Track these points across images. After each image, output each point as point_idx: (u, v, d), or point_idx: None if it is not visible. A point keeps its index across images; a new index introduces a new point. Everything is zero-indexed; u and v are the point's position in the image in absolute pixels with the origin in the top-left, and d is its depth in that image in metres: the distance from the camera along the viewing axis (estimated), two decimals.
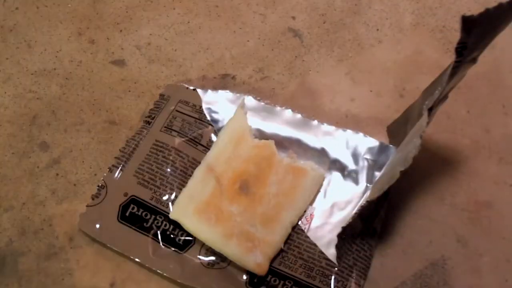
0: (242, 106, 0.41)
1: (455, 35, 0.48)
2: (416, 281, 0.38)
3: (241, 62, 0.47)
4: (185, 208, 0.37)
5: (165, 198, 0.39)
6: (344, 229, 0.36)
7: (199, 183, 0.38)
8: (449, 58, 0.47)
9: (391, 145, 0.41)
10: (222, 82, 0.46)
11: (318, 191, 0.40)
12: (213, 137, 0.42)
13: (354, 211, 0.38)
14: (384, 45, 0.48)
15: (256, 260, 0.35)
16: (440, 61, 0.47)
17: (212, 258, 0.37)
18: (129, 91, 0.46)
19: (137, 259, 0.37)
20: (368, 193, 0.39)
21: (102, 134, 0.44)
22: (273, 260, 0.37)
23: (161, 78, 0.47)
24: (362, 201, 0.39)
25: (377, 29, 0.49)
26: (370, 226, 0.38)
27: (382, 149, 0.41)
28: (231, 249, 0.36)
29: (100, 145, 0.43)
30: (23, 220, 0.40)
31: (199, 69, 0.47)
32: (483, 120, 0.44)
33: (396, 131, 0.42)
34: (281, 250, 0.37)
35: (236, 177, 0.38)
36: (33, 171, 0.42)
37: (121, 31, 0.49)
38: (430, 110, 0.31)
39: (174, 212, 0.38)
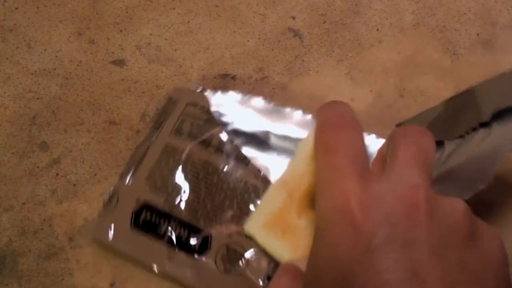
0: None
1: (455, 35, 0.48)
2: None
3: (241, 62, 0.47)
4: (257, 223, 0.36)
5: (177, 202, 0.39)
6: None
7: (271, 198, 0.37)
8: (449, 58, 0.47)
9: None
10: (222, 82, 0.46)
11: None
12: (224, 138, 0.41)
13: None
14: (384, 45, 0.48)
15: None
16: (440, 61, 0.47)
17: (229, 264, 0.37)
18: (129, 91, 0.46)
19: (154, 267, 0.36)
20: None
21: (102, 134, 0.44)
22: None
23: (161, 78, 0.47)
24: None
25: (377, 29, 0.49)
26: None
27: None
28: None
29: (100, 145, 0.43)
30: (23, 220, 0.40)
31: (199, 69, 0.47)
32: None
33: None
34: None
35: (309, 189, 0.36)
36: (33, 171, 0.42)
37: (121, 31, 0.49)
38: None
39: (248, 227, 0.37)
